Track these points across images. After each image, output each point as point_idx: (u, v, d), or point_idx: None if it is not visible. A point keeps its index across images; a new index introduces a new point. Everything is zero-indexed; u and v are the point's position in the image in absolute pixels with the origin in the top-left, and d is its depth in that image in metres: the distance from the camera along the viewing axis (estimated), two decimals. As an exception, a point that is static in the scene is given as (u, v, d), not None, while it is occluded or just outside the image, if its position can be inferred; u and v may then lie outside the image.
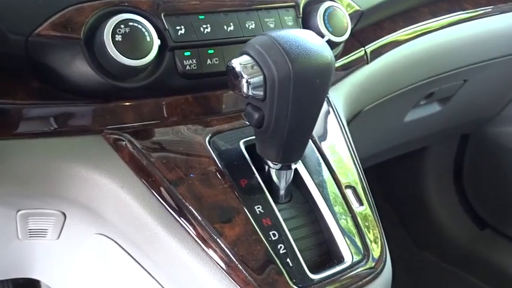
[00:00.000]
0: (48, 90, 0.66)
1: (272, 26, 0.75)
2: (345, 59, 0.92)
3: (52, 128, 0.65)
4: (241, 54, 0.60)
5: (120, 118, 0.67)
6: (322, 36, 0.78)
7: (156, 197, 0.63)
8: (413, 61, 1.06)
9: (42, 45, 0.62)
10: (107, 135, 0.67)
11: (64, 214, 0.72)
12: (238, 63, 0.59)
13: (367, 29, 1.00)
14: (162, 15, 0.67)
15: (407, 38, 1.06)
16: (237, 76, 0.58)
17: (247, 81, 0.58)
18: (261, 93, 0.59)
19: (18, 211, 0.72)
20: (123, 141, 0.66)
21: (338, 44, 0.81)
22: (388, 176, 1.85)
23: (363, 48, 0.96)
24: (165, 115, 0.70)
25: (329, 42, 0.79)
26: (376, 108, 1.08)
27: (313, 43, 0.59)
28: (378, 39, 1.01)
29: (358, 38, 0.96)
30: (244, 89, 0.58)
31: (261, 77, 0.58)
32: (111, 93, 0.66)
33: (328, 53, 0.60)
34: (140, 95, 0.68)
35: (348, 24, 0.81)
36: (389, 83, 1.04)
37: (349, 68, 0.92)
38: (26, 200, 0.71)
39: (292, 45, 0.58)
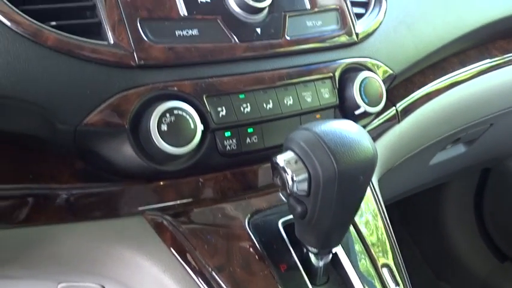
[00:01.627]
0: (92, 171, 0.67)
1: (309, 100, 0.77)
2: (377, 121, 0.93)
3: (95, 210, 0.66)
4: (285, 150, 0.61)
5: (161, 198, 0.69)
6: (358, 107, 0.79)
7: (198, 283, 0.64)
8: (443, 116, 1.06)
9: (89, 133, 0.63)
10: (148, 216, 0.68)
11: (103, 287, 0.74)
12: (282, 159, 0.60)
13: (398, 86, 1.00)
14: (204, 97, 0.68)
15: (438, 90, 1.06)
16: (282, 173, 0.59)
17: (292, 179, 0.59)
18: (305, 188, 0.60)
19: (59, 283, 0.74)
20: (165, 223, 0.68)
21: (373, 114, 0.82)
22: (408, 206, 1.85)
23: (394, 108, 0.96)
24: (205, 193, 0.71)
25: (364, 112, 0.80)
26: (403, 160, 1.09)
27: (357, 138, 0.60)
28: (408, 95, 1.01)
29: (389, 97, 0.96)
30: (289, 186, 0.59)
31: (306, 174, 0.59)
32: (153, 175, 0.67)
33: (371, 147, 0.61)
34: (180, 175, 0.69)
35: (383, 94, 0.82)
36: (420, 139, 1.04)
37: (380, 130, 0.93)
38: (67, 276, 0.73)
39: (337, 143, 0.58)
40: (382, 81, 0.86)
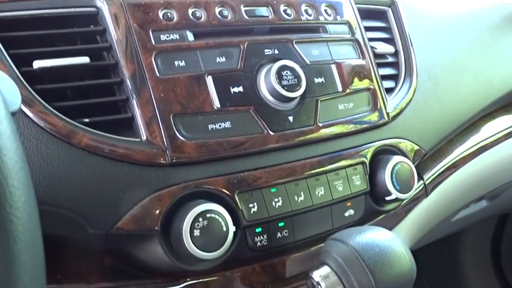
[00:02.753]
0: (120, 267, 0.66)
1: (341, 189, 0.76)
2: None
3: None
4: (321, 264, 0.60)
5: (190, 295, 0.68)
6: (390, 194, 0.78)
7: None
8: (470, 185, 1.05)
9: (120, 236, 0.62)
10: None
11: None
12: (319, 275, 0.59)
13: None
14: (236, 194, 0.67)
15: (465, 158, 1.04)
16: (318, 288, 0.58)
17: (328, 296, 0.58)
18: (342, 304, 0.59)
19: None
20: (194, 325, 0.67)
21: (403, 200, 0.81)
22: (425, 253, 1.83)
23: (422, 182, 0.94)
24: (234, 288, 0.70)
25: (395, 199, 0.79)
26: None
27: (396, 253, 0.59)
28: (436, 165, 0.99)
29: (418, 172, 0.94)
30: (326, 303, 0.58)
31: (343, 292, 0.58)
32: (182, 273, 0.67)
33: (410, 263, 0.60)
34: (208, 272, 0.68)
35: (414, 180, 0.81)
36: (447, 210, 1.03)
37: (409, 207, 0.91)
38: None
39: (377, 262, 0.57)
40: (413, 160, 0.85)
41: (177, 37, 0.69)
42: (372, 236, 0.61)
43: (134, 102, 0.65)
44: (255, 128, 0.70)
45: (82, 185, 0.60)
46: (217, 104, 0.68)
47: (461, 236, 1.78)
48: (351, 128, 0.79)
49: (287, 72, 0.72)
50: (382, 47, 0.91)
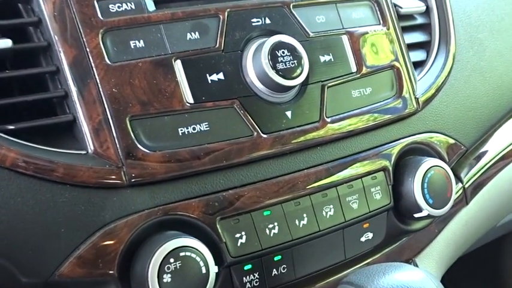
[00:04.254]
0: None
1: (355, 206, 0.78)
2: (439, 211, 0.94)
3: None
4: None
5: None
6: (420, 210, 0.81)
7: None
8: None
9: (63, 285, 0.64)
10: None
11: None
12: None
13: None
14: (218, 221, 0.69)
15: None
16: None
17: None
18: None
19: None
20: None
21: (437, 217, 0.84)
22: (465, 260, 1.89)
23: (461, 185, 0.97)
24: None
25: (427, 216, 0.82)
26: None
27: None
28: (477, 161, 1.02)
29: (455, 171, 0.97)
30: None
31: None
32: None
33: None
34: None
35: (452, 190, 0.83)
36: (492, 220, 1.07)
37: (444, 222, 0.94)
38: None
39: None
40: (450, 160, 0.88)
41: (132, 7, 0.69)
42: (399, 278, 0.63)
43: (76, 99, 0.65)
44: (241, 129, 0.72)
45: (9, 219, 0.61)
46: (189, 98, 0.69)
47: (504, 241, 1.84)
48: (368, 121, 0.81)
49: (283, 52, 0.72)
50: (409, 5, 0.92)
